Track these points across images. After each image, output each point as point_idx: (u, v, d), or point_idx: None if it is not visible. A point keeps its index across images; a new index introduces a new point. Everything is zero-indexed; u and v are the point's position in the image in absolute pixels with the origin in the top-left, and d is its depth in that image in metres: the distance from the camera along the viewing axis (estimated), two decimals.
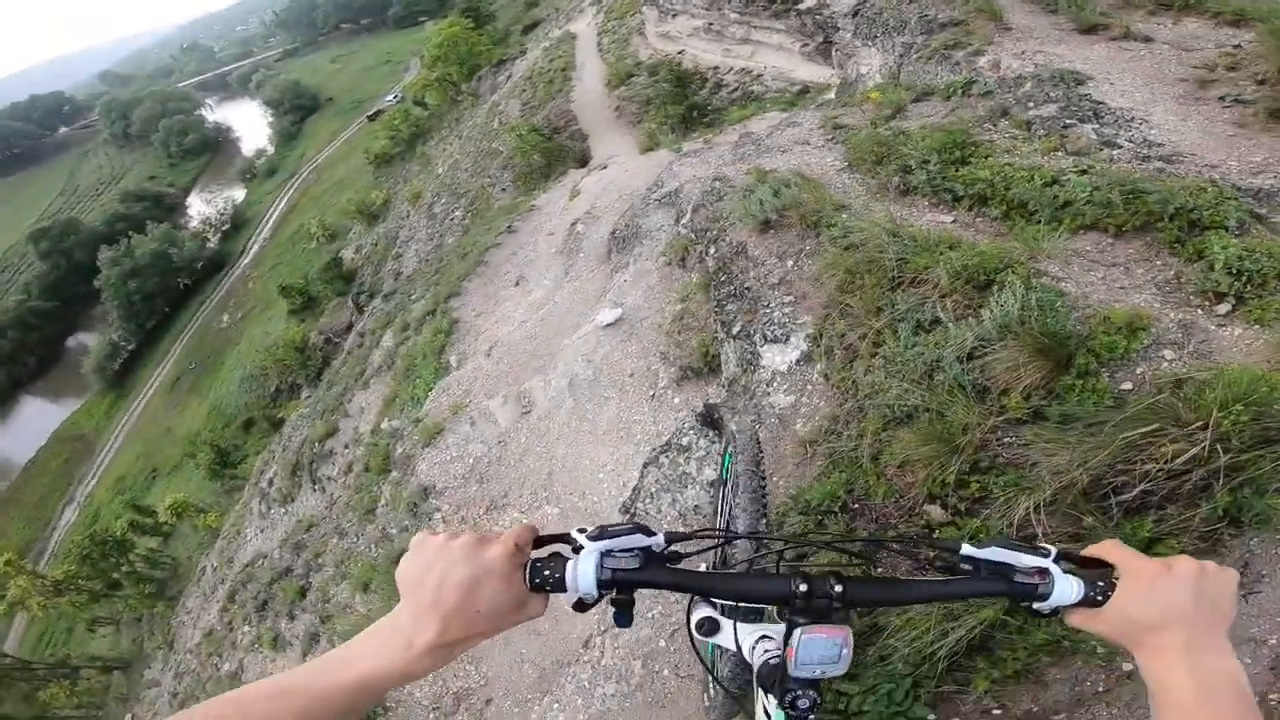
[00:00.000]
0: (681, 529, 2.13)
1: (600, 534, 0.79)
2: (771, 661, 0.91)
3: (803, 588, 0.78)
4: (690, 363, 5.38)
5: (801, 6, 17.06)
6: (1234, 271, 2.81)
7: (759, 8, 17.55)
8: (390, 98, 62.01)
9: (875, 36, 8.88)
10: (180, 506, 28.66)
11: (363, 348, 14.07)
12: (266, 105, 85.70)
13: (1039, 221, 3.57)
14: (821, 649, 0.79)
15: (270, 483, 12.20)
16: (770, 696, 0.90)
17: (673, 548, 0.84)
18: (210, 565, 13.80)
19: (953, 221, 4.05)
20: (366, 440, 9.34)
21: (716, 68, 19.25)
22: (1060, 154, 4.17)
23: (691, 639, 1.02)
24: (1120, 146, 4.26)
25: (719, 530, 1.69)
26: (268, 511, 11.64)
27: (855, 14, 10.00)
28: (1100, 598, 0.75)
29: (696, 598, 1.02)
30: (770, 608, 1.04)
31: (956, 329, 2.94)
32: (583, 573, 0.76)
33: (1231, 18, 6.00)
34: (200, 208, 67.62)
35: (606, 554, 0.78)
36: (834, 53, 16.01)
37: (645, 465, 4.51)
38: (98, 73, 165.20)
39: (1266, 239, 3.00)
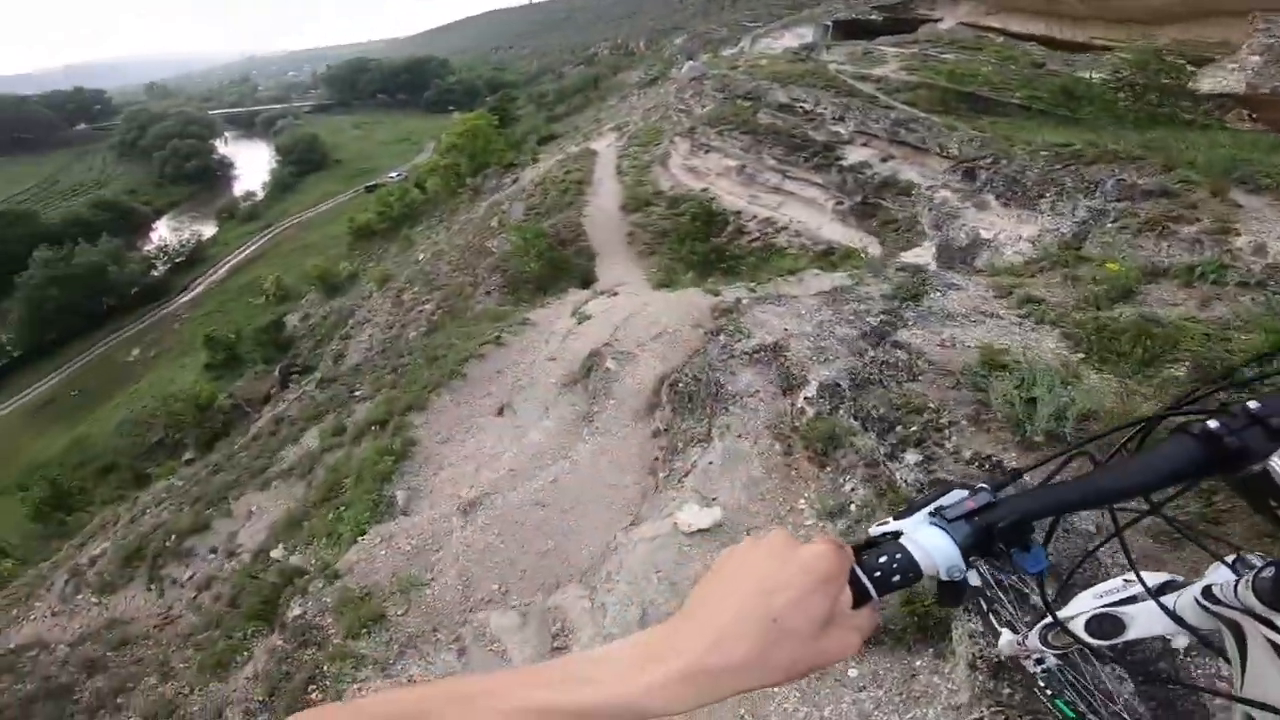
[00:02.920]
0: None
1: (909, 508, 0.64)
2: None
3: (1214, 425, 0.59)
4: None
5: (845, 162, 15.40)
6: None
7: (800, 158, 15.96)
8: (394, 174, 61.60)
9: (1026, 197, 7.08)
10: None
11: (275, 436, 11.05)
12: (276, 151, 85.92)
13: None
14: None
15: (91, 562, 9.77)
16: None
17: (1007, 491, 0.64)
18: None
19: None
20: (242, 561, 7.57)
21: (739, 212, 17.41)
22: None
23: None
24: None
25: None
26: (73, 595, 9.18)
27: (972, 170, 8.21)
28: None
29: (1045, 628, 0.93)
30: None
31: None
32: (931, 542, 0.58)
33: None
34: (165, 233, 64.61)
35: (937, 513, 0.62)
36: (875, 215, 14.08)
37: None
38: (146, 83, 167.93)
39: None
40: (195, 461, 21.26)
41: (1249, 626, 0.68)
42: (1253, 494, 0.57)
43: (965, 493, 0.63)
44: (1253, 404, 0.58)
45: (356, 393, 10.38)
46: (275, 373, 28.79)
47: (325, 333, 29.53)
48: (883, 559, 0.57)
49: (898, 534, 0.60)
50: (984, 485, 0.64)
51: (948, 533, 0.59)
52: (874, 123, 15.17)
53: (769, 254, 15.17)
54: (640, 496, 4.82)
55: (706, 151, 19.36)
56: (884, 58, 19.49)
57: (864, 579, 0.55)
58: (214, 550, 8.45)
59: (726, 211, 16.97)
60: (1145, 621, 0.86)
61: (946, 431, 3.68)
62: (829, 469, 4.11)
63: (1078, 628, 0.88)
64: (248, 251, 56.93)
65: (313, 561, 6.17)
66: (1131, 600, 0.89)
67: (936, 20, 23.51)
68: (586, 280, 16.16)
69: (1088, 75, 15.41)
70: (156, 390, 34.34)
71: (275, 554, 7.14)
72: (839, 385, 4.34)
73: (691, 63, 34.92)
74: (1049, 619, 1.09)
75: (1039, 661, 1.38)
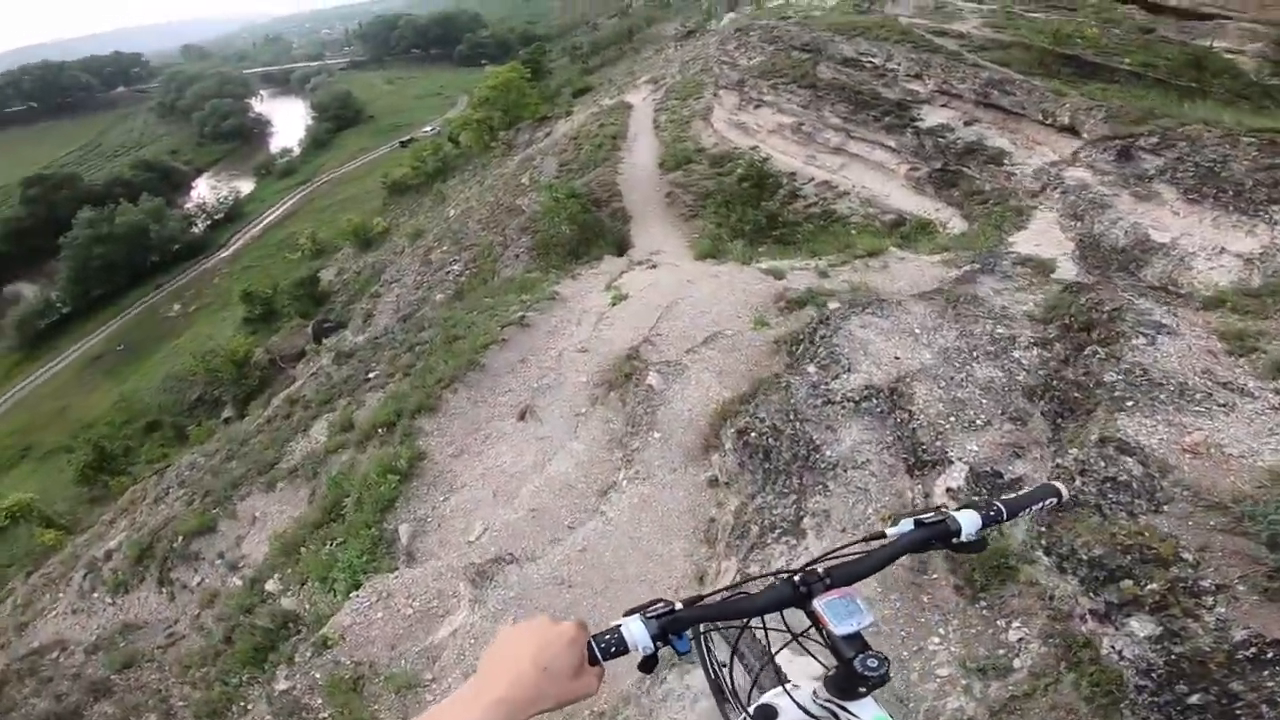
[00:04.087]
0: None
1: (630, 612, 0.95)
2: (829, 669, 1.02)
3: (798, 579, 1.02)
4: None
5: (922, 124, 13.87)
6: None
7: (869, 117, 14.43)
8: (429, 129, 60.59)
9: (1236, 196, 5.51)
10: (22, 509, 22.90)
11: (289, 421, 10.33)
12: (312, 108, 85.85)
13: None
14: (842, 607, 0.95)
15: (108, 556, 9.54)
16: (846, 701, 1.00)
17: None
18: None
19: None
20: (245, 576, 7.03)
21: (794, 174, 15.97)
22: None
23: None
24: None
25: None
26: (90, 591, 9.00)
27: (1127, 150, 6.56)
28: None
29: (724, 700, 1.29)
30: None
31: None
32: (635, 629, 0.91)
33: None
34: (205, 191, 65.33)
35: (643, 615, 0.94)
36: (958, 186, 12.66)
37: None
38: (181, 45, 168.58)
39: None
40: (232, 421, 21.31)
41: (841, 715, 0.99)
42: (815, 622, 0.98)
43: (661, 603, 0.95)
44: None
45: (371, 374, 9.64)
46: (310, 328, 28.55)
47: (359, 288, 29.03)
48: (607, 636, 0.88)
49: (618, 626, 0.91)
50: (669, 601, 0.96)
51: (645, 625, 0.91)
52: (959, 82, 13.52)
53: (828, 221, 13.84)
54: (694, 573, 3.69)
55: (757, 106, 17.80)
56: (961, 13, 17.59)
57: (595, 649, 0.86)
58: (220, 555, 8.11)
59: (780, 173, 15.54)
60: (791, 712, 1.08)
61: (1208, 599, 2.46)
62: (984, 605, 2.90)
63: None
64: (284, 207, 57.19)
65: (306, 606, 5.56)
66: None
67: None
68: (622, 246, 15.09)
69: (1208, 44, 13.74)
70: (196, 345, 34.72)
71: (270, 586, 6.58)
72: (999, 477, 2.96)
73: (733, 14, 32.60)
74: (727, 699, 1.35)
75: None
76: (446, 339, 9.36)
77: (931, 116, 14.06)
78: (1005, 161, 12.51)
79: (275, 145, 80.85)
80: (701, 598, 1.00)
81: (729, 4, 43.89)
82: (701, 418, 4.71)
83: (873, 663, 0.93)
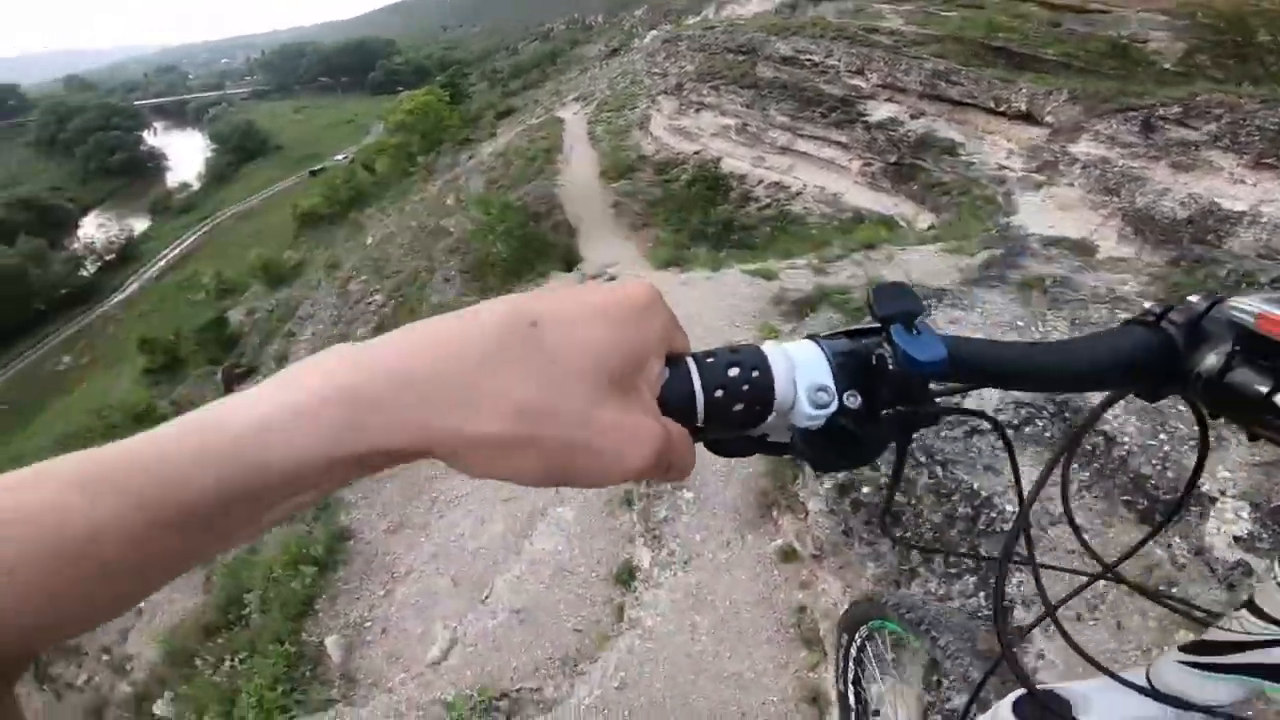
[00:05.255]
0: None
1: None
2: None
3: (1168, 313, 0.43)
4: None
5: (871, 119, 13.43)
6: None
7: (815, 114, 13.89)
8: (340, 157, 57.76)
9: None
10: None
11: None
12: (212, 140, 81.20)
13: None
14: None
15: None
16: None
17: None
18: None
19: None
20: (134, 683, 5.41)
21: (744, 176, 15.27)
22: None
23: None
24: None
25: None
26: None
27: (1148, 121, 5.95)
28: None
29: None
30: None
31: None
32: (799, 353, 0.38)
33: None
34: (93, 230, 59.69)
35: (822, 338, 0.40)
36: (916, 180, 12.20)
37: None
38: (64, 76, 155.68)
39: None
40: None
41: None
42: (1223, 406, 0.38)
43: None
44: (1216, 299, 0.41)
45: None
46: (218, 376, 26.03)
47: (271, 329, 26.71)
48: (732, 371, 0.34)
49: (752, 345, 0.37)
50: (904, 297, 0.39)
51: (822, 348, 0.38)
52: (904, 75, 13.21)
53: (785, 222, 13.12)
54: (802, 691, 2.18)
55: (698, 110, 17.11)
56: (880, 14, 17.67)
57: (695, 380, 0.34)
58: (106, 651, 6.36)
59: (729, 175, 14.83)
60: (1107, 701, 0.62)
61: None
62: None
63: (1003, 709, 0.67)
64: (184, 246, 53.05)
65: None
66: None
67: None
68: (569, 261, 13.86)
69: (1115, 34, 14.34)
70: (90, 401, 31.20)
71: (160, 710, 4.95)
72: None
73: (655, 31, 32.46)
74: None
75: None
76: None
77: (878, 111, 13.69)
78: (960, 152, 12.19)
79: (172, 180, 76.29)
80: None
81: (650, 23, 44.33)
82: (746, 463, 3.37)
83: None
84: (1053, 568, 0.63)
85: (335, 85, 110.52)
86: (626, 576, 3.74)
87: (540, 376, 0.27)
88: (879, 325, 0.38)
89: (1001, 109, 11.82)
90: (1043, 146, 10.16)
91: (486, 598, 4.28)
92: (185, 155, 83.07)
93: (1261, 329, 0.37)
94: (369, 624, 4.52)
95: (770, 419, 0.36)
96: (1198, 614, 0.57)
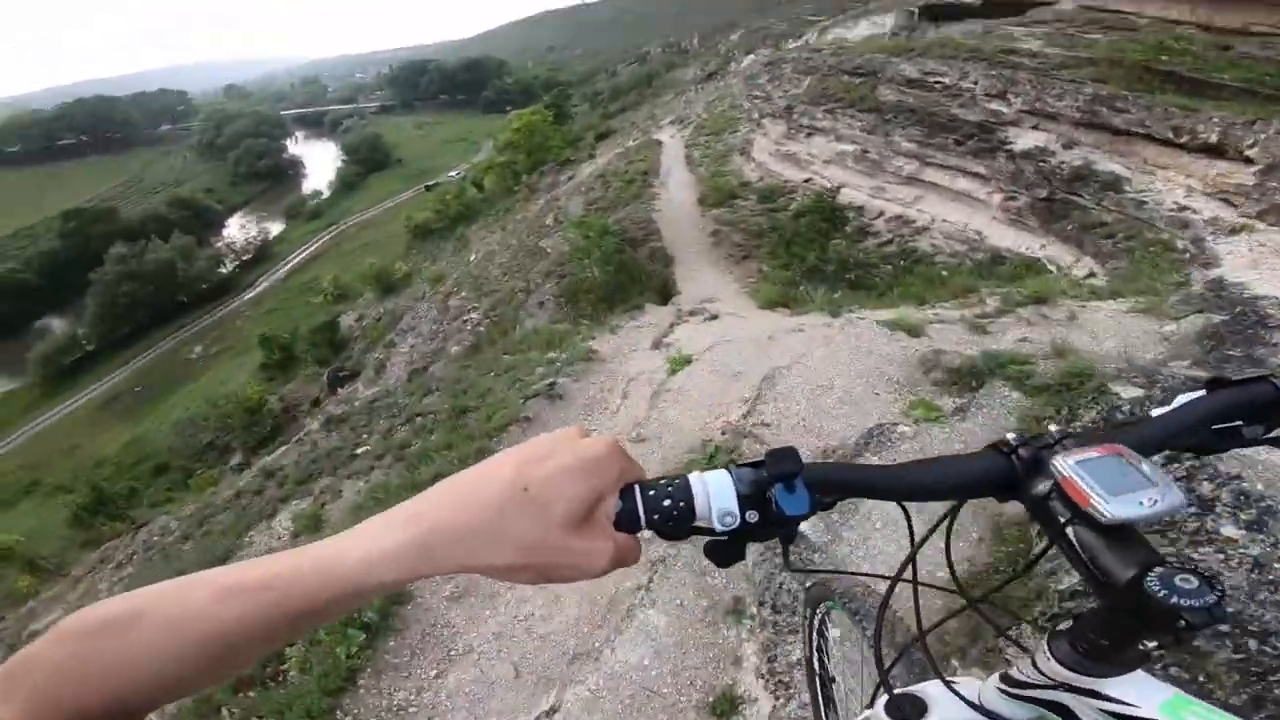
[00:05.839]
0: None
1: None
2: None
3: (1019, 447, 0.56)
4: None
5: (1016, 148, 11.91)
6: None
7: (949, 141, 12.52)
8: (454, 173, 60.69)
9: None
10: (5, 550, 21.46)
11: (260, 496, 8.11)
12: (342, 150, 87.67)
13: None
14: (1114, 469, 0.49)
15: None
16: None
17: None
18: None
19: None
20: None
21: (861, 208, 14.05)
22: None
23: None
24: None
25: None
26: None
27: None
28: None
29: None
30: None
31: None
32: (714, 481, 0.51)
33: None
34: (235, 231, 65.98)
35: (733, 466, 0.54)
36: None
37: None
38: (224, 85, 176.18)
39: None
40: (243, 468, 19.71)
41: (1076, 704, 0.58)
42: (1042, 517, 0.53)
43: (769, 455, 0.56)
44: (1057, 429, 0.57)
45: (359, 450, 7.67)
46: (325, 376, 27.38)
47: (375, 336, 27.80)
48: (663, 485, 0.50)
49: (686, 476, 0.52)
50: (790, 449, 0.53)
51: (731, 476, 0.52)
52: (1054, 99, 11.64)
53: (910, 262, 11.82)
54: None
55: (809, 135, 16.06)
56: (1012, 35, 15.91)
57: (639, 501, 0.49)
58: None
59: (844, 207, 13.70)
60: (948, 707, 0.77)
61: None
62: None
63: (878, 709, 0.80)
64: (310, 249, 57.21)
65: None
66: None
67: (1050, 2, 19.42)
68: (665, 293, 13.18)
69: None
70: (211, 390, 34.04)
71: None
72: None
73: (752, 56, 31.63)
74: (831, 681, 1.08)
75: None
76: (454, 411, 7.37)
77: (1023, 139, 12.12)
78: (1126, 188, 10.47)
79: (307, 187, 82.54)
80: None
81: (746, 47, 43.76)
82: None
83: (1188, 583, 0.44)
84: (931, 586, 0.74)
85: (452, 102, 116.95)
86: (725, 707, 2.94)
87: (533, 523, 0.43)
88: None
89: (1181, 140, 10.05)
90: (1247, 185, 8.42)
91: (553, 712, 3.59)
92: (320, 164, 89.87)
93: (1064, 486, 0.50)
94: (413, 711, 3.94)
95: (694, 522, 0.51)
96: (1024, 648, 0.66)
